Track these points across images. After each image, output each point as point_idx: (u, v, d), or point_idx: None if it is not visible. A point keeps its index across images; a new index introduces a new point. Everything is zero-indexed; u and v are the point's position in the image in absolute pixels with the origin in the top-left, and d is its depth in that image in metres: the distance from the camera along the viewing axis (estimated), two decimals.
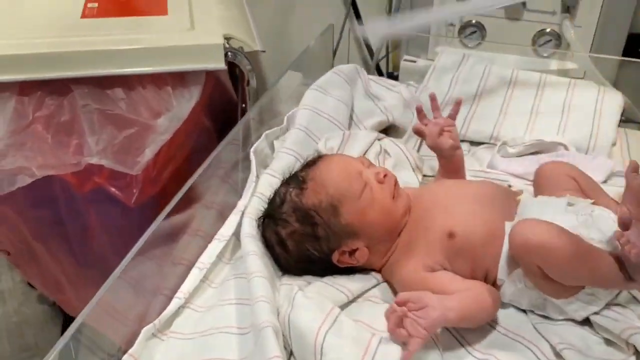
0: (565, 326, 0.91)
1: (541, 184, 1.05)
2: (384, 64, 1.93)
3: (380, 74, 1.89)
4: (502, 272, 0.93)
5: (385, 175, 0.99)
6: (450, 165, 1.12)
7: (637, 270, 0.82)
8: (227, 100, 1.76)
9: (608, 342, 0.89)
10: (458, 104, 1.13)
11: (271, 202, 1.03)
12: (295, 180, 1.02)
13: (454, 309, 0.85)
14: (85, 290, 1.64)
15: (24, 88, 1.27)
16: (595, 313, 0.90)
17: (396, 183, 1.01)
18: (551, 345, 0.89)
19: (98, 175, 1.42)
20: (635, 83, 1.56)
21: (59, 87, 1.32)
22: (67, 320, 1.73)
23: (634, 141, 1.37)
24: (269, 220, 1.00)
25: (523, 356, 0.88)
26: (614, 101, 1.37)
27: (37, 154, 1.30)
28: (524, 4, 1.52)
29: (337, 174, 0.98)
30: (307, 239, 0.97)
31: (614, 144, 1.31)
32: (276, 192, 1.03)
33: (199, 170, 1.03)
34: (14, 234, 1.49)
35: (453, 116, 1.13)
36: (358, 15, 1.93)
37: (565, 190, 0.98)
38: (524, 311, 0.96)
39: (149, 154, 1.55)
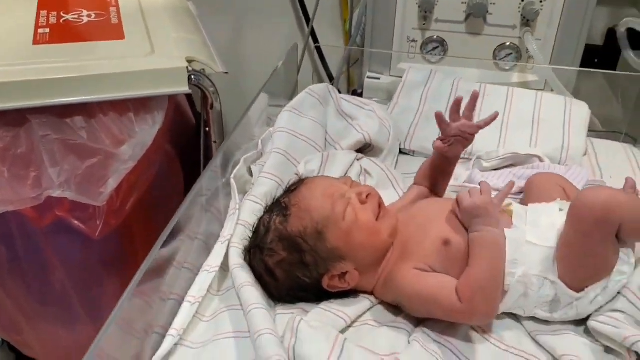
0: (567, 335, 0.92)
1: (533, 193, 1.08)
2: (344, 83, 1.93)
3: (339, 92, 1.89)
4: (509, 277, 0.92)
5: (368, 195, 0.98)
6: (446, 170, 1.12)
7: None
8: (187, 124, 1.72)
9: (608, 349, 0.90)
10: (493, 118, 1.07)
11: (256, 231, 1.01)
12: (278, 207, 0.99)
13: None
14: (45, 329, 1.55)
15: None
16: (596, 321, 0.91)
17: (380, 202, 1.00)
18: (554, 358, 0.89)
19: (59, 207, 1.36)
20: (592, 93, 1.61)
21: (15, 118, 1.25)
22: None
23: (600, 150, 1.41)
24: (256, 250, 0.98)
25: None
26: (581, 112, 1.41)
27: None
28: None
29: (319, 197, 0.96)
30: (296, 267, 0.94)
31: (584, 154, 1.34)
32: (260, 221, 1.01)
33: (186, 202, 0.99)
34: None
35: (482, 126, 1.07)
36: (313, 34, 1.92)
37: (554, 198, 1.01)
38: (519, 322, 0.96)
39: (112, 183, 1.49)
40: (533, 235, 0.94)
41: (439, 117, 1.06)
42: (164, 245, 0.94)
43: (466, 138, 1.06)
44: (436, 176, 1.12)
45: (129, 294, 0.82)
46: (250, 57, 2.11)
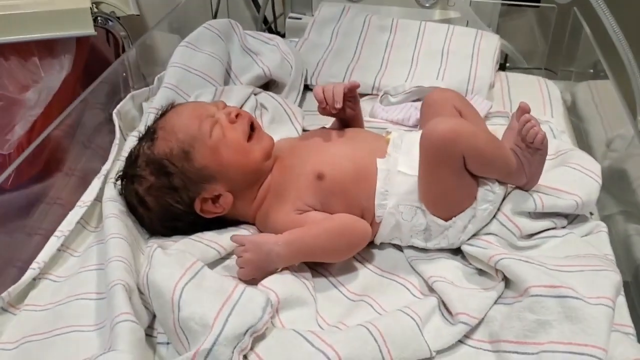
0: (440, 260, 0.91)
1: (427, 112, 1.04)
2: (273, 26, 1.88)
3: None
4: (379, 208, 0.91)
5: (237, 115, 0.95)
6: (349, 123, 1.06)
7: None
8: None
9: (481, 272, 0.89)
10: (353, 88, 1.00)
11: (127, 160, 0.97)
12: (147, 133, 0.96)
13: (287, 241, 0.85)
14: None
15: None
16: (468, 244, 0.90)
17: (254, 124, 0.96)
18: (424, 280, 0.88)
19: None
20: (515, 30, 1.58)
21: None
22: None
23: (515, 84, 1.39)
24: (127, 179, 0.95)
25: (398, 293, 0.87)
26: (490, 43, 1.37)
27: None
28: None
29: (186, 118, 0.93)
30: (165, 192, 0.91)
31: (492, 87, 1.31)
32: (131, 150, 0.97)
33: (48, 129, 0.95)
34: None
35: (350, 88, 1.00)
36: None
37: None
38: (401, 250, 0.95)
39: (19, 130, 1.45)
40: (405, 165, 0.91)
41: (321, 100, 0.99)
42: (32, 181, 0.91)
43: (349, 101, 1.01)
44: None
45: None
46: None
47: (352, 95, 1.01)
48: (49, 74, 1.44)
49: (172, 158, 0.90)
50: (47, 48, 1.42)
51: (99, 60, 1.63)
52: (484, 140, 0.86)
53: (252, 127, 0.96)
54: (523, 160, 0.89)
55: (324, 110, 1.00)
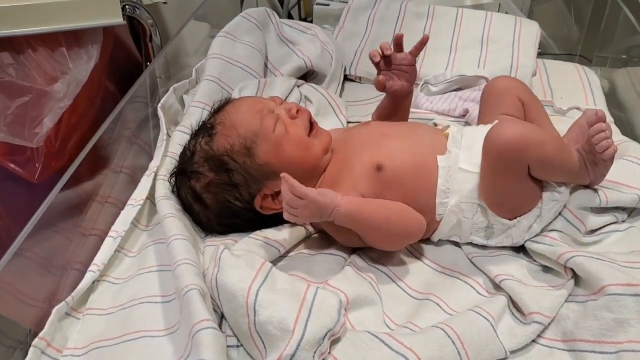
0: (502, 257, 0.89)
1: (487, 102, 1.00)
2: (296, 13, 1.85)
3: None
4: (440, 207, 0.89)
5: (298, 111, 0.93)
6: (400, 106, 1.05)
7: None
8: (131, 60, 1.64)
9: (546, 269, 0.88)
10: (423, 42, 0.99)
11: (181, 156, 0.95)
12: (203, 129, 0.94)
13: (347, 210, 0.83)
14: None
15: None
16: (533, 241, 0.88)
17: (312, 119, 0.95)
18: (489, 278, 0.87)
19: None
20: (548, 16, 1.56)
21: None
22: None
23: (553, 71, 1.37)
24: (182, 176, 0.93)
25: (463, 292, 0.86)
26: (531, 31, 1.35)
27: None
28: None
29: (246, 113, 0.91)
30: (224, 189, 0.90)
31: (534, 75, 1.29)
32: (186, 146, 0.95)
33: (100, 131, 0.94)
34: None
35: (415, 53, 1.00)
36: None
37: (505, 113, 0.95)
38: (459, 247, 0.94)
39: (48, 123, 1.42)
40: (466, 162, 0.89)
41: (375, 54, 0.98)
42: (79, 178, 0.89)
43: (405, 71, 0.99)
44: (390, 114, 1.05)
45: (29, 229, 0.77)
46: None
47: (409, 63, 0.98)
48: (77, 64, 1.41)
49: (234, 154, 0.89)
50: (75, 38, 1.38)
51: (122, 49, 1.60)
52: (551, 150, 0.83)
53: (311, 123, 0.94)
54: (588, 165, 0.87)
55: (377, 66, 0.98)
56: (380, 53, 0.97)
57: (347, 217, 0.84)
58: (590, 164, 0.87)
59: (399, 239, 0.89)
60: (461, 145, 0.91)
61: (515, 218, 0.87)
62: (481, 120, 1.00)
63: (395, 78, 0.99)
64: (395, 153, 0.91)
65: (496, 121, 0.91)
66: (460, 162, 0.90)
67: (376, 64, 0.98)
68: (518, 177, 0.84)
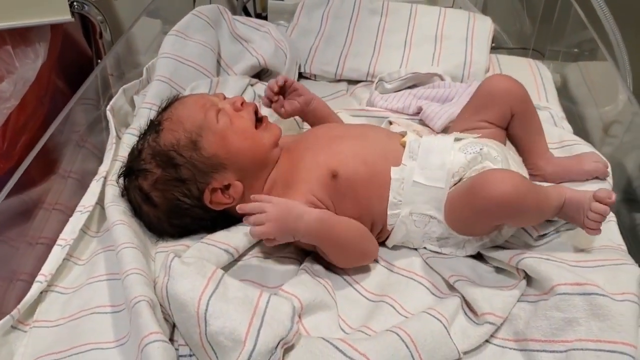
0: (456, 259, 0.90)
1: (478, 97, 0.99)
2: (251, 7, 1.82)
3: (248, 16, 1.78)
4: (392, 217, 0.90)
5: (242, 104, 0.93)
6: (316, 116, 1.05)
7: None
8: (82, 58, 1.60)
9: (498, 270, 0.89)
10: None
11: (129, 156, 0.94)
12: (150, 127, 0.93)
13: (320, 217, 0.83)
14: None
15: None
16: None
17: (258, 113, 0.95)
18: (443, 279, 0.87)
19: None
20: (502, 9, 1.57)
21: None
22: None
23: (506, 67, 1.38)
24: (130, 175, 0.91)
25: (418, 292, 0.86)
26: (484, 27, 1.36)
27: None
28: None
29: (191, 107, 0.91)
30: (173, 185, 0.88)
31: (487, 71, 1.30)
32: (133, 146, 0.94)
33: (47, 135, 0.91)
34: None
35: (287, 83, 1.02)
36: None
37: (487, 121, 0.97)
38: (415, 250, 0.94)
39: None
40: (421, 175, 0.89)
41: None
42: (25, 184, 0.86)
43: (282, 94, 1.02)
44: (312, 122, 1.06)
45: None
46: None
47: (292, 89, 1.00)
48: (24, 63, 1.37)
49: (180, 148, 0.88)
50: (21, 36, 1.34)
51: (72, 47, 1.56)
52: (531, 217, 0.85)
53: (258, 116, 0.93)
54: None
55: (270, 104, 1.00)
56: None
57: (319, 227, 0.83)
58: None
59: (357, 258, 0.89)
60: (418, 157, 0.91)
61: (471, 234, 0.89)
62: (462, 114, 1.01)
63: (287, 103, 1.01)
64: (348, 159, 0.91)
65: (474, 138, 0.93)
66: (416, 175, 0.89)
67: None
68: (489, 222, 0.85)
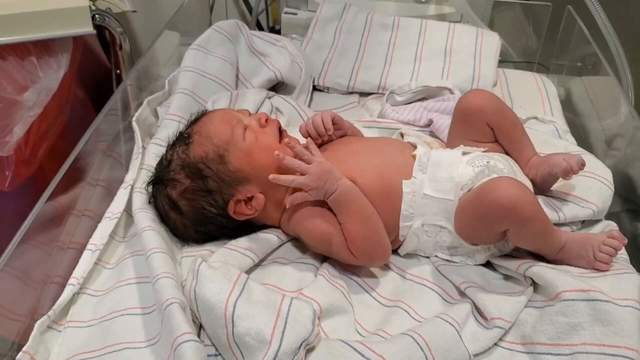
0: (466, 267, 0.95)
1: (456, 119, 1.04)
2: (264, 19, 1.88)
3: (260, 29, 1.84)
4: (404, 229, 0.94)
5: (267, 120, 0.99)
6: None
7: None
8: (100, 68, 1.65)
9: (507, 277, 0.93)
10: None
11: (158, 166, 0.99)
12: (180, 138, 0.98)
13: (347, 185, 0.90)
14: None
15: None
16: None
17: (281, 128, 1.00)
18: (454, 285, 0.92)
19: None
20: (508, 25, 1.62)
21: None
22: None
23: (512, 81, 1.43)
24: (158, 184, 0.96)
25: (430, 298, 0.91)
26: (491, 43, 1.41)
27: None
28: None
29: (219, 123, 0.96)
30: (200, 195, 0.93)
31: (494, 85, 1.35)
32: (163, 156, 0.99)
33: (78, 146, 0.95)
34: None
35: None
36: None
37: (471, 139, 1.01)
38: (426, 257, 0.98)
39: (18, 132, 1.43)
40: (431, 188, 0.93)
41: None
42: (58, 192, 0.91)
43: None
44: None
45: (15, 243, 0.79)
46: None
47: (336, 124, 1.04)
48: (47, 73, 1.42)
49: (208, 161, 0.92)
50: (45, 47, 1.39)
51: (92, 58, 1.61)
52: (537, 224, 0.87)
53: (280, 131, 0.98)
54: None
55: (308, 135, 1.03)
56: (320, 136, 1.03)
57: (351, 189, 0.90)
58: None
59: (374, 244, 0.91)
60: (427, 170, 0.95)
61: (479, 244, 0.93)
62: (450, 138, 1.06)
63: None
64: (365, 173, 0.95)
65: (480, 152, 0.97)
66: (425, 188, 0.94)
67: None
68: (493, 227, 0.89)
